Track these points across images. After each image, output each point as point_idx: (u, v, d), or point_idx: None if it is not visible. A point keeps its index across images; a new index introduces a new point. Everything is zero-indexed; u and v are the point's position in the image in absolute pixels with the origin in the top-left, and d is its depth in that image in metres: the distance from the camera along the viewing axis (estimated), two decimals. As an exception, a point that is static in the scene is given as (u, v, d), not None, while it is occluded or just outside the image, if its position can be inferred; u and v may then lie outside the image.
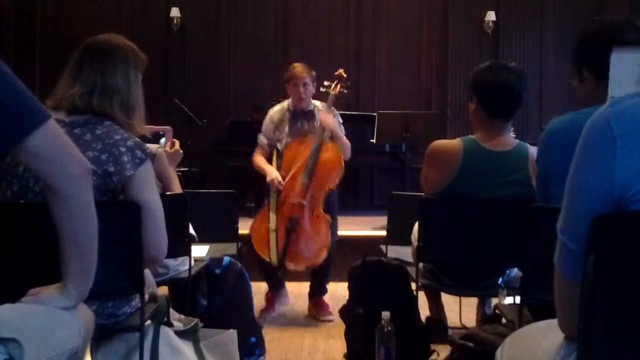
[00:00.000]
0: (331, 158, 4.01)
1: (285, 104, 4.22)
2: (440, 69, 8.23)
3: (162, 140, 2.92)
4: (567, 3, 8.05)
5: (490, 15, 8.11)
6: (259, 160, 4.17)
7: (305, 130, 4.11)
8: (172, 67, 8.10)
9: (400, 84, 8.19)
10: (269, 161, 4.16)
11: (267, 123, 4.23)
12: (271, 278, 4.15)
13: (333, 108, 4.16)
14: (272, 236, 3.95)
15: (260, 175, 4.16)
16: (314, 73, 4.16)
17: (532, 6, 8.23)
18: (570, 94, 2.03)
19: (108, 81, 1.93)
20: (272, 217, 3.99)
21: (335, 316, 3.36)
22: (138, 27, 7.72)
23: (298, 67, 4.13)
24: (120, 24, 7.57)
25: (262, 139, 4.23)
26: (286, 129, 4.15)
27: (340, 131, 4.14)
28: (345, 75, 4.30)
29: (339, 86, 4.23)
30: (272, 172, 4.02)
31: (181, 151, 2.97)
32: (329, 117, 4.01)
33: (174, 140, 2.96)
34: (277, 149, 4.18)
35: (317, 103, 4.22)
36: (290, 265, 4.00)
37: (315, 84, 4.17)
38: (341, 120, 4.24)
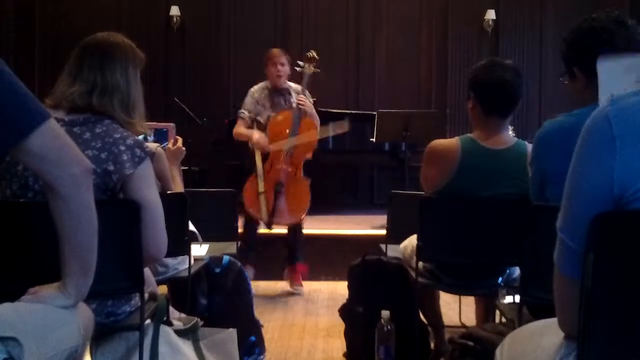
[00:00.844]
0: (309, 131, 4.60)
1: (264, 83, 4.76)
2: (440, 68, 8.23)
3: (165, 144, 2.93)
4: (567, 1, 8.05)
5: (490, 14, 8.11)
6: (242, 129, 4.70)
7: (283, 105, 4.68)
8: (172, 66, 8.10)
9: (400, 83, 8.19)
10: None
11: (247, 99, 4.77)
12: (246, 245, 4.59)
13: (304, 88, 4.69)
14: (262, 198, 4.54)
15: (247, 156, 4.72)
16: (288, 56, 4.70)
17: (532, 5, 8.23)
18: (569, 92, 2.02)
19: (108, 80, 1.93)
20: (260, 181, 4.56)
21: (335, 315, 3.37)
22: (138, 26, 7.72)
23: (275, 50, 4.72)
24: (120, 23, 7.57)
25: (243, 112, 4.74)
26: (267, 104, 4.69)
27: (313, 109, 4.69)
28: (317, 57, 4.76)
29: (312, 66, 4.71)
30: (255, 134, 4.59)
31: (184, 148, 2.97)
32: (305, 99, 4.56)
33: (177, 137, 2.96)
34: (257, 120, 4.69)
35: (291, 84, 4.76)
36: (278, 221, 4.59)
37: (290, 64, 4.69)
38: (312, 100, 4.77)
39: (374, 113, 6.10)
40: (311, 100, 4.76)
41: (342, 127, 5.03)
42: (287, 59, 4.66)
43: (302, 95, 4.59)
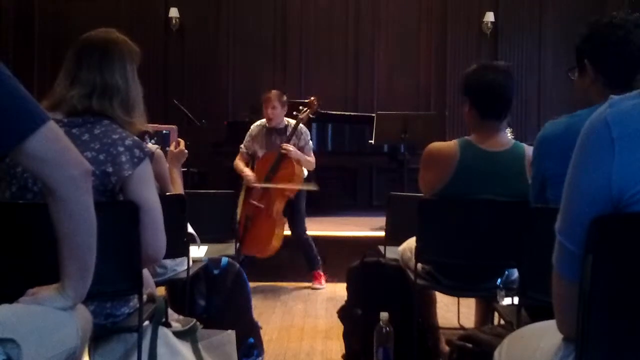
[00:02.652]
0: (287, 174, 4.94)
1: (263, 121, 5.13)
2: (438, 70, 8.24)
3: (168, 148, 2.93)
4: (566, 4, 8.06)
5: (489, 16, 8.12)
6: (238, 163, 5.15)
7: (278, 143, 5.01)
8: (171, 68, 8.10)
9: (399, 85, 8.19)
10: (248, 166, 5.14)
11: (247, 136, 5.19)
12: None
13: (301, 127, 5.04)
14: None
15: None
16: (285, 98, 5.05)
17: (531, 7, 8.24)
18: (569, 93, 2.03)
19: (107, 81, 1.91)
20: (238, 212, 4.89)
21: (334, 317, 3.37)
22: (136, 27, 7.71)
23: (271, 93, 5.04)
24: (119, 24, 7.46)
25: (242, 147, 5.18)
26: (262, 142, 5.08)
27: (307, 148, 5.05)
28: (316, 103, 5.19)
29: (307, 112, 5.09)
30: (246, 171, 5.04)
31: (186, 151, 2.97)
32: (289, 146, 4.92)
33: (179, 139, 2.97)
34: (258, 157, 5.09)
35: (291, 122, 5.08)
36: (246, 251, 4.96)
37: (285, 107, 5.06)
38: (308, 138, 5.11)
39: (373, 115, 6.11)
40: (308, 138, 5.08)
41: (310, 186, 5.18)
42: (280, 102, 4.99)
43: (287, 144, 4.92)
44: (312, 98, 5.19)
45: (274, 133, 5.06)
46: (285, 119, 5.09)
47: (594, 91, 1.90)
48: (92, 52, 1.94)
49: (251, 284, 3.31)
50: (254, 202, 4.96)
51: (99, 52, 1.94)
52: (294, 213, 5.08)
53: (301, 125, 5.03)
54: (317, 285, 5.12)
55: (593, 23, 1.94)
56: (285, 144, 4.93)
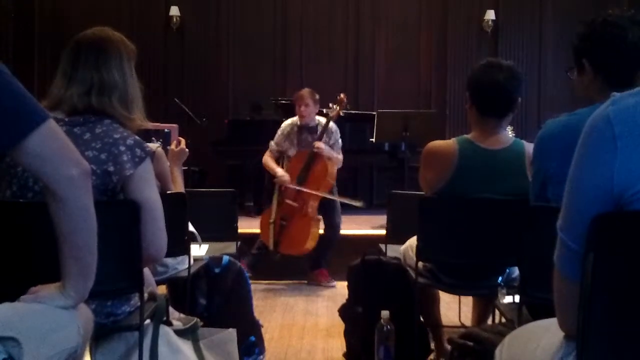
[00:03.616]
0: (320, 172, 4.99)
1: (295, 119, 5.18)
2: (439, 68, 8.24)
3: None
4: (567, 2, 8.05)
5: (490, 15, 8.11)
6: (269, 161, 5.17)
7: (309, 141, 5.06)
8: (172, 66, 8.10)
9: (399, 83, 8.19)
10: (278, 164, 5.16)
11: (278, 133, 5.20)
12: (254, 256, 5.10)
13: (332, 125, 5.09)
14: (271, 227, 5.00)
15: (262, 175, 5.28)
16: (317, 97, 5.12)
17: (531, 5, 8.23)
18: (569, 91, 2.02)
19: (105, 78, 1.90)
20: (273, 212, 5.03)
21: (335, 315, 3.37)
22: (137, 26, 7.72)
23: (303, 91, 5.15)
24: (120, 23, 7.56)
25: (272, 145, 5.19)
26: (294, 140, 5.13)
27: (337, 146, 5.12)
28: (345, 100, 5.17)
29: (337, 109, 5.12)
30: (279, 171, 5.05)
31: (187, 150, 2.97)
32: (321, 144, 4.95)
33: (180, 138, 2.97)
34: (288, 156, 5.15)
35: (322, 119, 5.13)
36: (283, 250, 5.02)
37: (317, 105, 5.14)
38: (339, 137, 5.16)
39: (374, 113, 6.11)
40: (338, 137, 5.14)
41: (355, 202, 5.26)
42: (313, 100, 5.08)
43: (319, 142, 4.95)
44: (342, 95, 5.19)
45: (305, 131, 5.13)
46: (316, 117, 5.17)
47: (593, 89, 1.90)
48: (88, 50, 1.93)
49: (252, 283, 3.31)
50: (289, 202, 5.01)
51: (95, 50, 1.93)
52: (329, 208, 5.09)
53: (332, 123, 5.08)
54: (330, 283, 5.09)
55: (589, 22, 1.93)
56: (317, 142, 4.97)
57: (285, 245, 5.01)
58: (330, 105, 5.16)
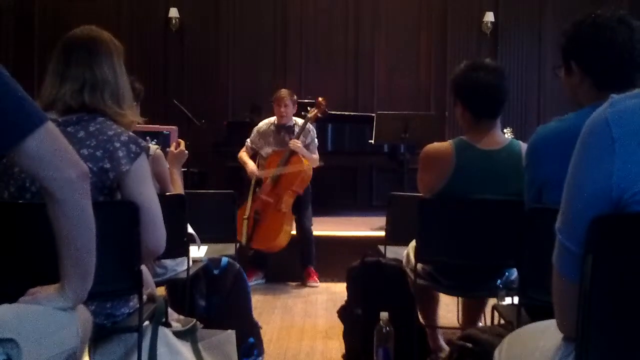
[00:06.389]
0: (295, 169, 5.09)
1: (272, 119, 5.29)
2: (438, 70, 8.23)
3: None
4: (566, 3, 8.05)
5: (489, 16, 8.12)
6: (243, 155, 5.32)
7: (286, 141, 5.17)
8: (171, 68, 8.09)
9: (399, 85, 8.19)
10: (253, 161, 5.27)
11: (254, 132, 5.33)
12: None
13: (309, 125, 5.23)
14: (244, 222, 5.08)
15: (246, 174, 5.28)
16: (295, 97, 5.27)
17: (531, 7, 8.24)
18: (564, 87, 2.00)
19: (97, 75, 1.91)
20: (248, 207, 5.14)
21: (334, 317, 3.37)
22: (137, 28, 7.72)
23: (282, 92, 5.23)
24: (119, 24, 7.57)
25: (248, 142, 5.34)
26: (270, 139, 5.23)
27: (313, 145, 5.24)
28: (324, 103, 5.31)
29: (315, 112, 5.24)
30: (250, 164, 5.22)
31: (186, 151, 2.97)
32: (297, 142, 5.09)
33: (179, 140, 2.97)
34: (260, 155, 5.27)
35: (299, 120, 5.27)
36: (255, 246, 5.13)
37: (296, 106, 5.26)
38: (314, 136, 5.30)
39: (373, 115, 6.11)
40: (314, 136, 5.27)
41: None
42: (291, 100, 5.20)
43: (296, 140, 5.09)
44: (320, 99, 5.31)
45: (283, 131, 5.22)
46: (293, 118, 5.28)
47: (581, 93, 1.89)
48: (78, 49, 1.94)
49: (251, 284, 3.31)
50: (263, 197, 5.11)
51: (86, 48, 1.94)
52: (302, 209, 5.22)
53: (309, 124, 5.20)
54: (312, 283, 5.18)
55: (577, 23, 1.91)
56: (293, 140, 5.10)
57: (258, 240, 5.10)
58: (309, 107, 5.31)
